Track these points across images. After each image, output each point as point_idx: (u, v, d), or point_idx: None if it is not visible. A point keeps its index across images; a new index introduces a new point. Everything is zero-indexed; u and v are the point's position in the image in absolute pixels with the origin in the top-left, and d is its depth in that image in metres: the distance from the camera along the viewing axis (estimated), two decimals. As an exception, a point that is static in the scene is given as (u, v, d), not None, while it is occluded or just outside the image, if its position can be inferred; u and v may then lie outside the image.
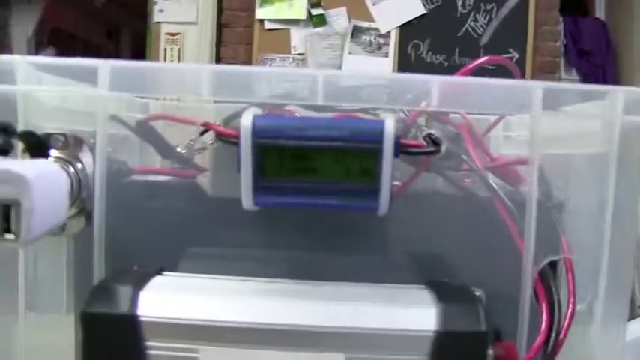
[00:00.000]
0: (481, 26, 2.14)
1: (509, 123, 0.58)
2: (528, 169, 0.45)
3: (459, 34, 2.16)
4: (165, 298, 0.32)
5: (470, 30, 2.15)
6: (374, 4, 2.14)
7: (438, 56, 2.18)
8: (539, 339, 0.37)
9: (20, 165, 0.30)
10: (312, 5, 2.17)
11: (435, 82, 0.36)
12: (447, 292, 0.34)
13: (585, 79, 2.31)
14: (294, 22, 2.19)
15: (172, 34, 2.38)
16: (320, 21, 2.17)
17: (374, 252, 0.41)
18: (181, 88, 0.36)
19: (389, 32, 2.16)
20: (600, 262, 0.40)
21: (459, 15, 2.14)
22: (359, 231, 0.41)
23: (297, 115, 0.39)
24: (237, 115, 0.39)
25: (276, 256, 0.40)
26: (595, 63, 2.28)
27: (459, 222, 0.42)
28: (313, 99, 0.36)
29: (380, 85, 0.37)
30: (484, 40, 2.14)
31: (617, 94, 0.38)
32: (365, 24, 2.16)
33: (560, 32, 2.20)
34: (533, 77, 2.12)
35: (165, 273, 0.36)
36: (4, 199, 0.29)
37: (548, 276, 0.39)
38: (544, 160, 0.44)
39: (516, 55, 2.13)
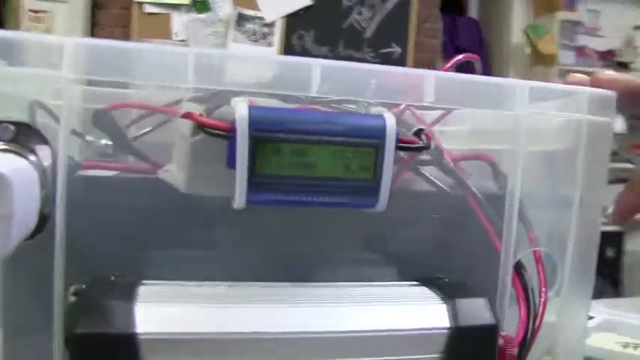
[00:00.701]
0: (365, 20, 2.18)
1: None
2: (482, 163, 0.46)
3: (343, 27, 2.19)
4: (164, 312, 0.29)
5: (354, 23, 2.18)
6: (260, -7, 2.11)
7: (322, 48, 2.19)
8: (521, 329, 0.38)
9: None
10: (196, -10, 2.10)
11: (431, 77, 0.35)
12: (448, 288, 0.34)
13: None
14: (176, 6, 2.10)
15: (36, 12, 2.19)
16: (203, 7, 2.10)
17: (356, 250, 0.40)
18: (163, 73, 0.32)
19: (274, 22, 2.14)
20: (566, 252, 0.41)
21: (344, 7, 2.17)
22: (341, 229, 0.39)
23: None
24: (217, 105, 0.36)
25: (258, 257, 0.38)
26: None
27: (434, 218, 0.42)
28: (307, 89, 0.34)
29: (369, 77, 0.35)
30: (368, 33, 2.19)
31: (584, 94, 0.39)
32: (250, 12, 2.12)
33: (440, 29, 2.31)
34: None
35: (146, 282, 0.32)
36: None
37: (522, 268, 0.40)
38: (499, 155, 0.45)
39: (398, 50, 2.21)
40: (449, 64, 0.39)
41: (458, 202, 0.41)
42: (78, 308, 0.28)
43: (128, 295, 0.29)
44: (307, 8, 2.15)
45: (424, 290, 0.34)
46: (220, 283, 0.33)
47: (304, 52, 2.18)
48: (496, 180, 0.44)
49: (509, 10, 2.48)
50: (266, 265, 0.38)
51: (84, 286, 0.30)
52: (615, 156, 0.42)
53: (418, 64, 2.18)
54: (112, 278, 0.31)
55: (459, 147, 0.51)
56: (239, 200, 0.33)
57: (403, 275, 0.38)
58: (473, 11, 2.63)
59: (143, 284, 0.32)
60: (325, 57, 2.18)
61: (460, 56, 0.40)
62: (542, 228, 0.42)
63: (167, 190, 0.37)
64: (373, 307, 0.32)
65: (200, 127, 0.33)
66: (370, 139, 0.33)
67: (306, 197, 0.33)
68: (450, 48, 2.42)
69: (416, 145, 0.36)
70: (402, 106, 0.38)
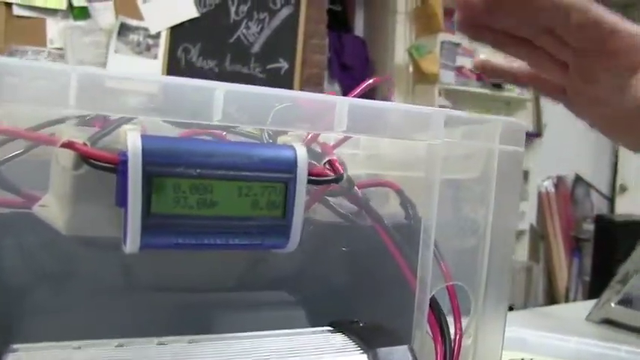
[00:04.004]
0: (253, 34, 2.15)
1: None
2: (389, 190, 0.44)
3: (230, 41, 2.14)
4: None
5: (242, 37, 2.15)
6: (144, 2, 2.02)
7: (208, 61, 2.14)
8: (438, 370, 0.36)
9: None
10: (75, -5, 1.96)
11: (344, 103, 0.32)
12: (366, 334, 0.31)
13: (346, 91, 2.48)
14: (51, 11, 1.95)
15: None
16: (82, 14, 1.98)
17: (259, 292, 0.36)
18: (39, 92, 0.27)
19: (159, 33, 2.06)
20: (480, 280, 0.40)
21: (231, 21, 2.12)
22: (244, 269, 0.35)
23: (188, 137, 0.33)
24: (105, 133, 0.31)
25: (151, 307, 0.33)
26: (355, 77, 2.46)
27: (341, 253, 0.39)
28: (209, 117, 0.30)
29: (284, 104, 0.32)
30: (255, 48, 2.16)
31: (497, 122, 0.39)
32: (133, 22, 2.02)
33: (327, 46, 2.32)
34: (302, 88, 2.20)
35: (16, 347, 0.27)
36: None
37: (437, 304, 0.38)
38: (405, 182, 0.43)
39: (286, 66, 2.19)
40: (358, 90, 0.37)
41: (365, 235, 0.39)
42: None
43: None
44: (193, 21, 2.08)
45: (340, 338, 0.31)
46: (108, 342, 0.28)
47: (190, 66, 2.11)
48: (404, 210, 0.42)
49: (392, 30, 2.55)
50: (160, 316, 0.33)
51: None
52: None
53: (305, 80, 2.18)
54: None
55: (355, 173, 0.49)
56: (131, 244, 0.28)
57: (314, 319, 0.35)
58: (359, 30, 2.68)
59: (12, 351, 0.26)
60: (211, 71, 2.12)
61: (370, 81, 0.38)
62: (452, 259, 0.40)
63: (45, 228, 0.31)
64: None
65: (84, 158, 0.28)
66: (279, 173, 0.30)
67: (207, 240, 0.30)
68: (336, 64, 2.45)
69: (328, 178, 0.33)
70: (310, 136, 0.35)
